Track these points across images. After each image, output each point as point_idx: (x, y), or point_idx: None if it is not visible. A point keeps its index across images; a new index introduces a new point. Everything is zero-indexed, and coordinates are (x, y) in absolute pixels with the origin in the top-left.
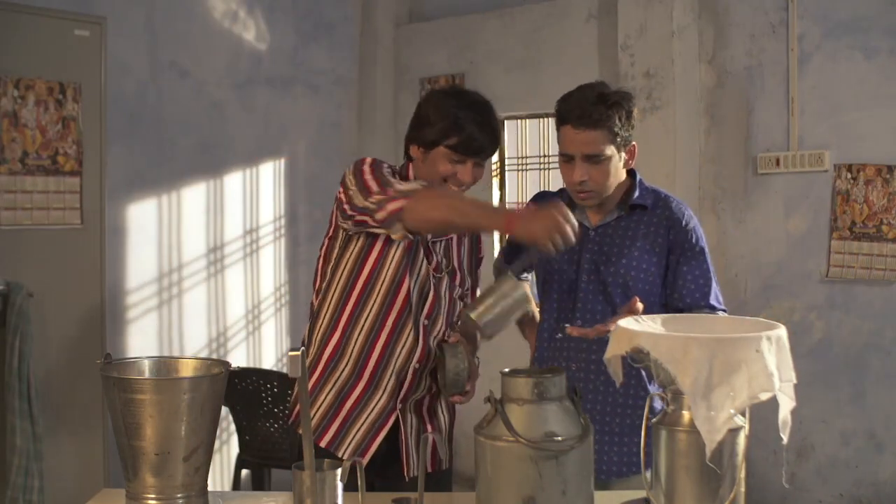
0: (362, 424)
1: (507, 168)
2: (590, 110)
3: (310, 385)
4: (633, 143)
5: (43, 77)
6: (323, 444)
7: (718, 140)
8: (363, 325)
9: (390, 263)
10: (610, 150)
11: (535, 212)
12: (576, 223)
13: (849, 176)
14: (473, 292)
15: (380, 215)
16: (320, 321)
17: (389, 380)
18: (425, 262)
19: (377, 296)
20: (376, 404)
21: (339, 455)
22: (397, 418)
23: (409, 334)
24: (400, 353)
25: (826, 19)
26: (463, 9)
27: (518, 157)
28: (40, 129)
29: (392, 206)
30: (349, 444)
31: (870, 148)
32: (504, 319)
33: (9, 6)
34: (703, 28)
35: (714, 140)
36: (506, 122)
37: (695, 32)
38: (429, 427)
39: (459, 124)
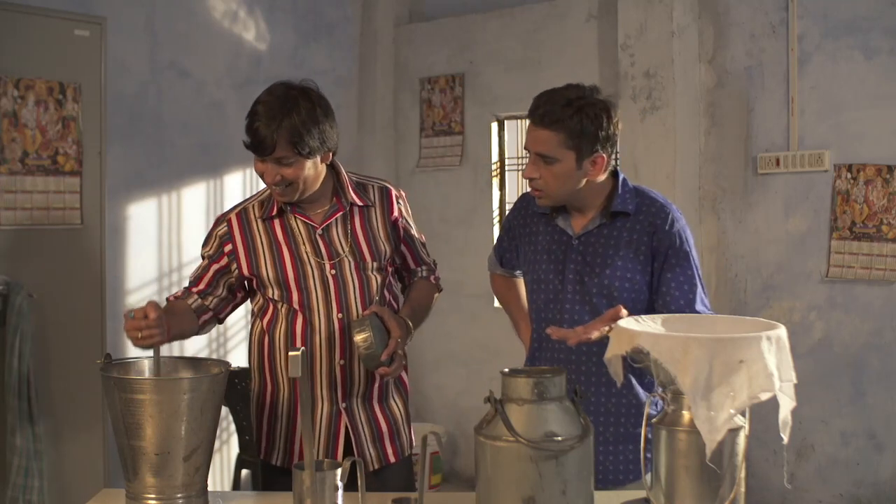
0: (319, 436)
1: (507, 168)
2: (552, 110)
3: (264, 414)
4: (602, 155)
5: (43, 77)
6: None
7: (718, 140)
8: (279, 344)
9: (268, 284)
10: (564, 154)
11: None
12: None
13: (849, 176)
14: (412, 252)
15: None
16: (252, 354)
17: (321, 383)
18: (314, 259)
19: (279, 316)
20: (322, 413)
21: None
22: (346, 420)
23: (321, 336)
24: (320, 356)
25: (826, 19)
26: (463, 9)
27: (518, 157)
28: (40, 129)
29: None
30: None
31: (870, 148)
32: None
33: (9, 6)
34: (703, 28)
35: (714, 140)
36: (505, 122)
37: (695, 32)
38: (381, 417)
39: (248, 121)
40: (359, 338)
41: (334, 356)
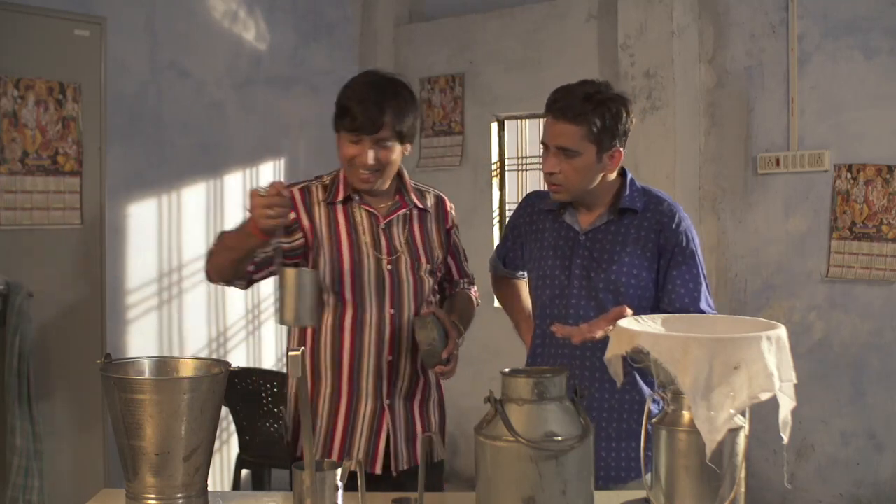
0: (361, 434)
1: (507, 168)
2: (573, 104)
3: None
4: (619, 149)
5: (43, 77)
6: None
7: (718, 140)
8: (325, 337)
9: (324, 270)
10: (585, 147)
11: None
12: (265, 190)
13: (849, 176)
14: (457, 264)
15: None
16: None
17: (368, 379)
18: (373, 251)
19: (328, 305)
20: (365, 410)
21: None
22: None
23: (371, 331)
24: (369, 351)
25: (826, 19)
26: (463, 9)
27: (518, 157)
28: (40, 129)
29: (207, 273)
30: (356, 456)
31: (870, 148)
32: (315, 304)
33: (9, 6)
34: (703, 28)
35: (714, 140)
36: (505, 122)
37: (695, 32)
38: (418, 419)
39: (344, 104)
40: (422, 334)
41: (383, 352)
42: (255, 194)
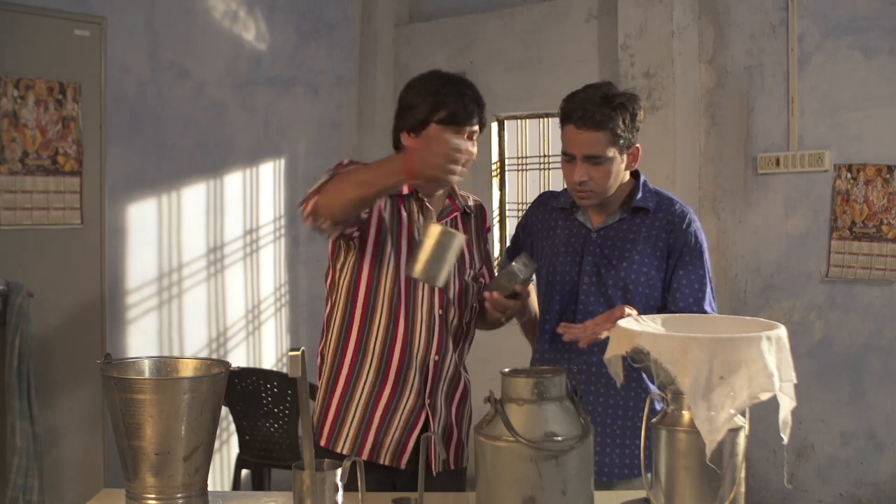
0: (396, 428)
1: (507, 168)
2: (593, 111)
3: (336, 398)
4: (637, 145)
5: (43, 77)
6: (364, 455)
7: (718, 140)
8: (378, 329)
9: (388, 262)
10: (612, 151)
11: (426, 147)
12: (465, 145)
13: (849, 176)
14: (489, 269)
15: (305, 217)
16: (332, 331)
17: (414, 378)
18: None
19: (384, 296)
20: (405, 405)
21: (380, 462)
22: (427, 415)
23: (422, 328)
24: (419, 348)
25: (826, 19)
26: (463, 9)
27: (518, 157)
28: (40, 129)
29: (309, 206)
30: (387, 451)
31: (870, 148)
32: (449, 269)
33: (9, 6)
34: (703, 28)
35: (714, 140)
36: (506, 122)
37: (695, 32)
38: (454, 426)
39: (442, 98)
40: (519, 262)
41: (431, 350)
42: (445, 142)
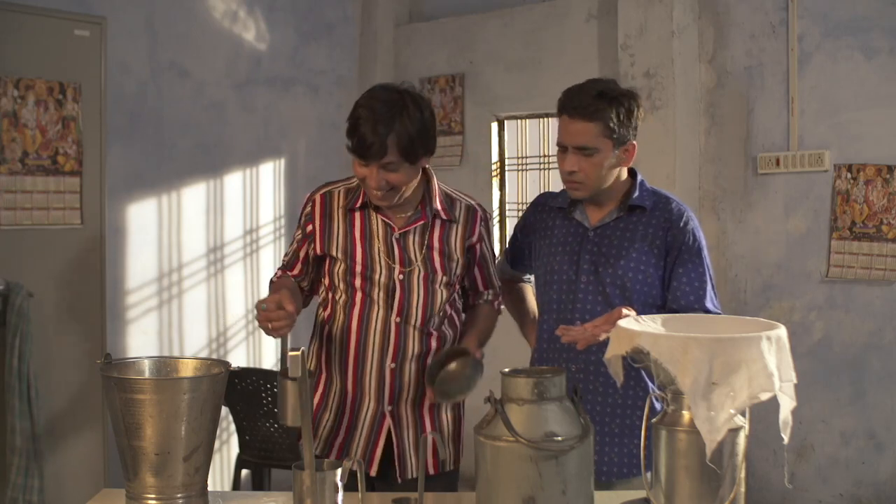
0: (360, 434)
1: (507, 168)
2: (587, 102)
3: (315, 399)
4: (633, 142)
5: (43, 77)
6: (332, 457)
7: (718, 140)
8: (336, 334)
9: (343, 271)
10: (603, 144)
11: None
12: (272, 308)
13: (849, 176)
14: (483, 275)
15: None
16: (315, 333)
17: (370, 383)
18: (386, 259)
19: (341, 303)
20: (367, 411)
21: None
22: (389, 424)
23: (376, 335)
24: (372, 353)
25: (826, 19)
26: (463, 9)
27: (518, 158)
28: (40, 129)
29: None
30: (354, 456)
31: (870, 148)
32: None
33: (9, 6)
34: (703, 28)
35: (714, 140)
36: (505, 122)
37: (695, 32)
38: (428, 427)
39: (353, 124)
40: (461, 397)
41: (385, 358)
42: (258, 308)
